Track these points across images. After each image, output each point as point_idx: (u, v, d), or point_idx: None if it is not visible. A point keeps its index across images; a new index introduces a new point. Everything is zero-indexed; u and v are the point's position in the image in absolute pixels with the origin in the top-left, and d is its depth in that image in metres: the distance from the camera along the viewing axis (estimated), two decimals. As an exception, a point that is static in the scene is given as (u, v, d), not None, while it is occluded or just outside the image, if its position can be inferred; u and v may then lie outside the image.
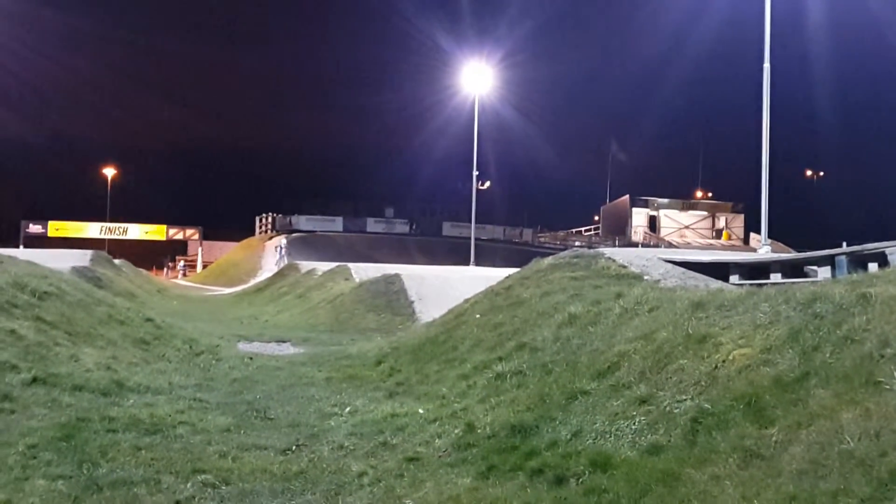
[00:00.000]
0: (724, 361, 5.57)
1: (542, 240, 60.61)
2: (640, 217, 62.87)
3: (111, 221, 63.62)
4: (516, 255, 38.62)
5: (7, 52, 57.19)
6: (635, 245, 50.91)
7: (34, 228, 59.70)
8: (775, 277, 9.87)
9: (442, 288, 17.54)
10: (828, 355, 4.83)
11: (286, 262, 34.60)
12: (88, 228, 61.96)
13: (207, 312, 21.29)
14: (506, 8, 78.24)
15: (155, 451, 6.05)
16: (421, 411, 7.41)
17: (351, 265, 25.35)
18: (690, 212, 65.14)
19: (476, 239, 44.46)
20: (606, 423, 5.62)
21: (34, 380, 7.38)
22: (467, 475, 5.42)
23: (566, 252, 13.36)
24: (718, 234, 63.21)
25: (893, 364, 4.32)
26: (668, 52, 67.52)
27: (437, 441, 6.39)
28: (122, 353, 9.61)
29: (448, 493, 5.12)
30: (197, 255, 62.70)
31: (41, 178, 71.08)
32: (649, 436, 5.17)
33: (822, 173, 76.80)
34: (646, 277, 10.54)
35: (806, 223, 56.21)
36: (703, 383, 5.48)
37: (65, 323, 9.68)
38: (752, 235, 54.15)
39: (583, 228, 67.28)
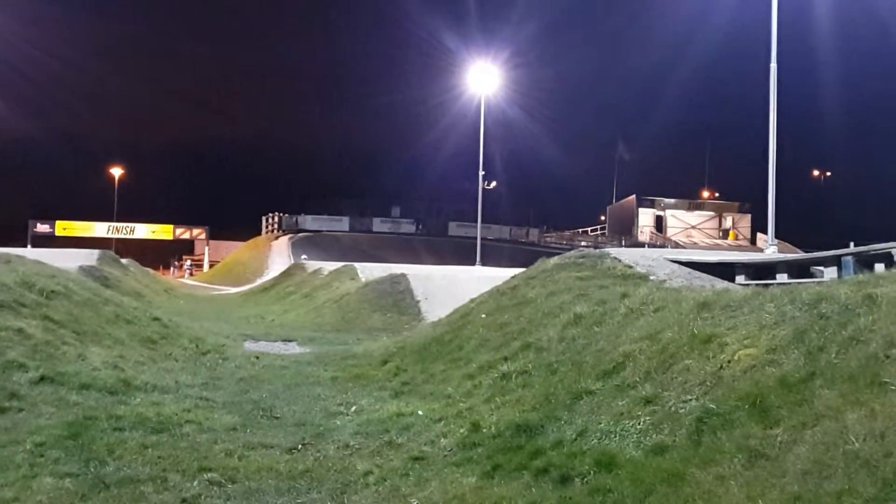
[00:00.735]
0: (729, 362, 5.57)
1: (548, 240, 60.59)
2: (646, 217, 62.79)
3: (118, 221, 63.83)
4: (522, 255, 38.62)
5: (14, 51, 57.51)
6: (641, 245, 50.84)
7: (42, 228, 59.96)
8: (781, 278, 9.86)
9: (448, 288, 17.55)
10: (833, 356, 4.83)
11: (304, 261, 34.57)
12: (95, 228, 62.18)
13: (214, 312, 21.33)
14: (512, 8, 78.20)
15: (161, 450, 6.08)
16: (421, 412, 7.43)
17: (357, 265, 25.38)
18: (697, 212, 65.02)
19: (482, 239, 44.47)
20: (611, 422, 5.62)
21: (42, 378, 7.42)
22: (472, 474, 5.43)
23: (572, 252, 13.36)
24: (725, 234, 63.08)
25: (899, 365, 4.32)
26: (675, 51, 67.51)
27: (442, 440, 6.41)
28: (129, 352, 9.65)
29: (453, 493, 5.14)
30: (204, 254, 62.84)
31: (49, 177, 71.36)
32: (654, 436, 5.17)
33: (829, 173, 76.61)
34: (651, 277, 10.54)
35: (813, 223, 56.10)
36: (708, 383, 5.48)
37: (72, 322, 9.72)
38: (759, 235, 54.02)
39: (589, 228, 67.23)
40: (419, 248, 51.65)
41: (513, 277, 12.40)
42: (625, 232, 61.05)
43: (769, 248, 22.47)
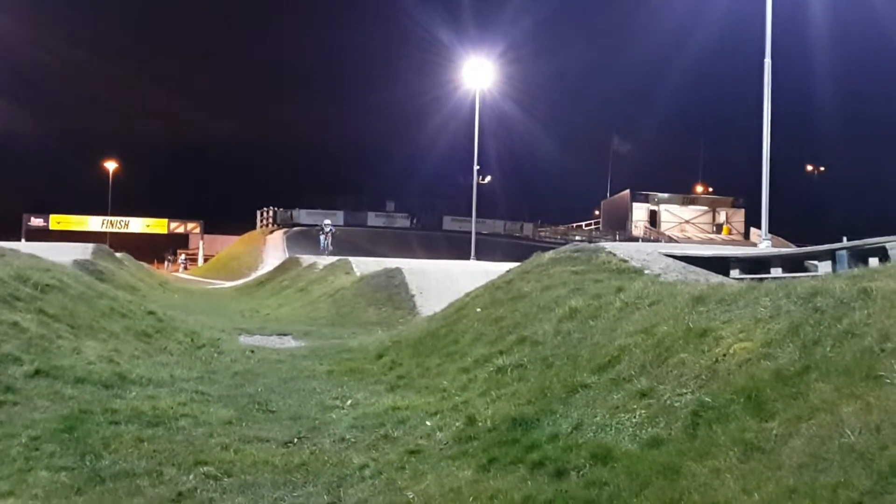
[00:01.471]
0: (724, 355, 5.58)
1: (542, 234, 60.64)
2: (640, 212, 62.86)
3: (113, 215, 63.65)
4: (517, 250, 38.60)
5: (9, 45, 57.26)
6: (636, 239, 50.88)
7: (36, 222, 59.80)
8: (776, 272, 9.88)
9: (443, 282, 17.54)
10: (828, 349, 4.84)
11: (331, 249, 34.83)
12: (90, 222, 62.04)
13: (209, 306, 21.30)
14: (507, 2, 78.00)
15: (157, 443, 6.08)
16: (419, 403, 7.44)
17: (352, 259, 25.36)
18: (691, 206, 65.12)
19: (477, 233, 44.46)
20: (607, 416, 5.63)
21: (37, 372, 7.41)
22: (468, 468, 5.45)
23: (567, 246, 13.36)
24: (719, 228, 63.18)
25: (894, 358, 4.33)
26: (670, 46, 67.39)
27: (438, 434, 6.42)
28: (125, 346, 9.64)
29: (449, 486, 5.15)
30: (198, 248, 62.79)
31: (43, 171, 71.18)
32: (650, 429, 5.19)
33: (822, 168, 76.75)
34: (646, 272, 10.55)
35: (807, 218, 56.18)
36: (703, 377, 5.50)
37: (67, 316, 9.70)
38: (753, 230, 54.16)
39: (583, 223, 67.29)
40: (414, 243, 51.64)
41: (508, 272, 12.41)
42: (619, 226, 61.11)
43: (763, 243, 22.52)
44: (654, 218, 63.40)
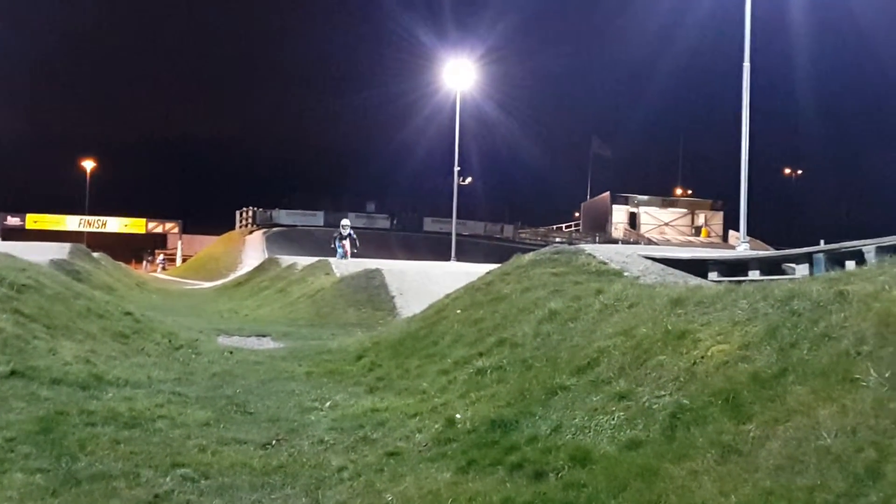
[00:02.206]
0: (702, 357, 5.62)
1: (522, 236, 60.72)
2: (620, 214, 63.14)
3: (90, 214, 63.09)
4: (497, 251, 38.65)
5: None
6: (615, 242, 51.11)
7: (12, 221, 59.15)
8: (753, 275, 9.95)
9: (423, 283, 17.54)
10: (805, 352, 4.88)
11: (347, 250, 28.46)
12: (67, 221, 61.46)
13: (187, 306, 21.17)
14: (489, 4, 78.14)
15: (134, 445, 6.02)
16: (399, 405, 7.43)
17: (332, 259, 25.30)
18: (670, 209, 65.51)
19: (457, 234, 44.49)
20: (586, 418, 5.65)
21: (12, 373, 7.32)
22: (447, 470, 5.44)
23: (547, 248, 13.39)
24: (698, 231, 63.60)
25: (870, 361, 4.37)
26: (651, 48, 67.81)
27: (417, 436, 6.41)
28: (101, 347, 9.55)
29: (428, 488, 5.14)
30: (176, 248, 62.32)
31: (19, 170, 70.31)
32: (628, 431, 5.21)
33: (800, 171, 77.43)
34: (626, 274, 10.60)
35: (785, 220, 56.71)
36: (681, 379, 5.53)
37: (43, 316, 9.60)
38: (731, 233, 54.50)
39: (563, 225, 67.48)
40: (394, 244, 51.52)
41: (488, 273, 12.42)
42: (599, 228, 61.36)
43: (741, 246, 22.68)
44: (633, 220, 63.71)
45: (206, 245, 58.37)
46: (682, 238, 60.28)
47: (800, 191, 74.00)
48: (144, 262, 57.30)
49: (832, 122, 67.93)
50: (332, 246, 28.98)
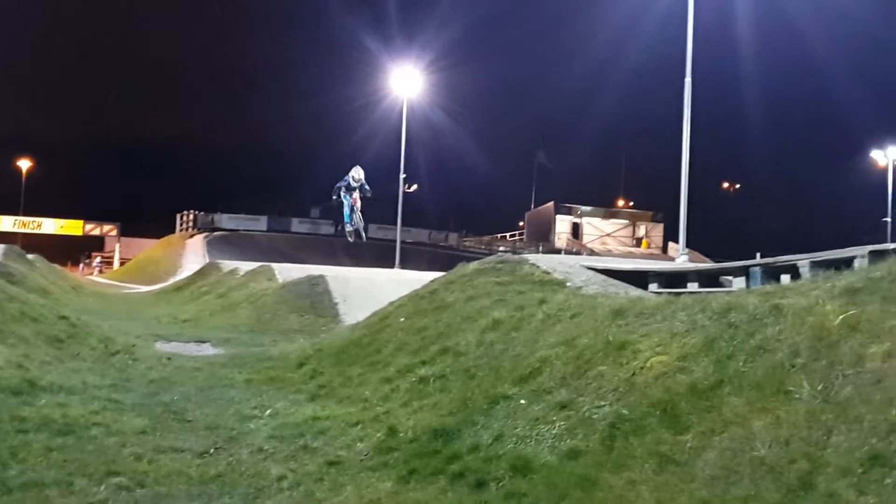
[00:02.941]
0: (642, 368, 5.70)
1: (467, 244, 60.91)
2: (563, 224, 63.80)
3: (25, 215, 61.37)
4: (442, 259, 38.75)
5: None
6: (558, 251, 51.59)
7: (-57, 221, 57.27)
8: (692, 286, 10.13)
9: (367, 290, 17.46)
10: (741, 364, 4.99)
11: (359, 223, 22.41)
12: (1, 222, 59.69)
13: (124, 311, 20.73)
14: (436, 12, 78.21)
15: (67, 453, 5.87)
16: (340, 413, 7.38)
17: (274, 265, 24.99)
18: (612, 220, 66.45)
19: (402, 242, 44.44)
20: (527, 427, 5.69)
21: (-62, 378, 7.09)
22: (388, 479, 5.42)
23: (491, 257, 13.46)
24: (638, 242, 64.62)
25: (803, 373, 4.49)
26: (598, 62, 68.56)
27: (358, 445, 6.37)
28: (35, 352, 9.29)
29: (368, 497, 5.11)
30: (114, 251, 61.02)
31: (-49, 169, 68.13)
32: (569, 440, 5.26)
33: (738, 185, 79.26)
34: (568, 284, 10.70)
35: (724, 233, 57.88)
36: (621, 389, 5.60)
37: (-27, 319, 9.31)
38: (671, 244, 55.47)
39: (508, 234, 67.90)
40: (339, 250, 51.19)
41: (432, 281, 12.42)
42: (542, 238, 61.89)
43: (680, 257, 23.08)
44: (576, 230, 64.44)
45: (145, 248, 57.25)
46: (623, 249, 61.15)
47: (740, 204, 75.73)
48: (81, 265, 55.97)
49: (774, 136, 69.68)
50: (335, 199, 21.75)
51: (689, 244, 25.06)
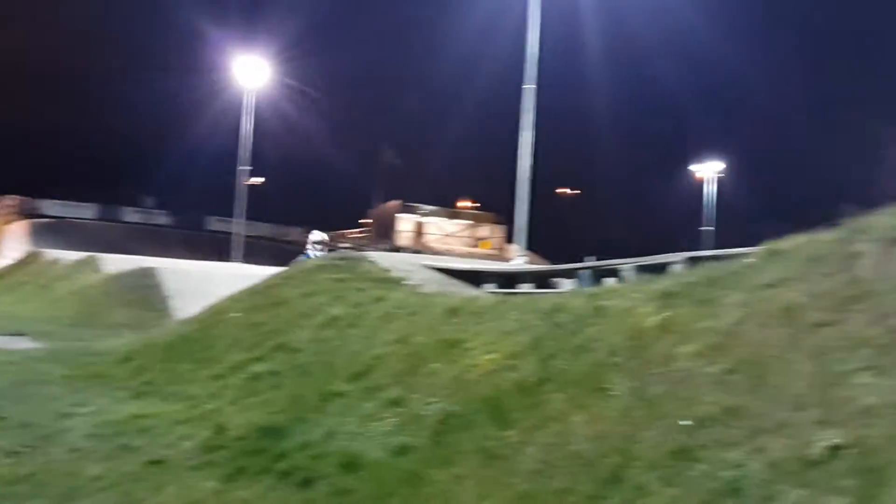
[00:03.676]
0: (472, 366, 5.83)
1: (310, 240, 60.22)
2: (406, 222, 64.26)
3: None
4: (284, 254, 37.93)
5: None
6: (401, 250, 51.92)
7: None
8: (526, 287, 10.45)
9: (203, 284, 16.88)
10: (564, 362, 5.20)
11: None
12: None
13: (-69, 300, 19.19)
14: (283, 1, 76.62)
15: None
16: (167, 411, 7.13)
17: (102, 255, 23.83)
18: (455, 220, 67.50)
19: (245, 236, 43.40)
20: (358, 424, 5.71)
21: None
22: (213, 478, 5.28)
23: (332, 254, 13.38)
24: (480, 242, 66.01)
25: (620, 372, 4.73)
26: (452, 62, 69.30)
27: (184, 443, 6.17)
28: None
29: (191, 497, 4.97)
30: (-79, 236, 56.25)
31: None
32: (398, 437, 5.31)
33: (578, 190, 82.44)
34: (407, 282, 10.77)
35: (565, 237, 60.01)
36: (452, 387, 5.71)
37: None
38: (511, 246, 57.03)
39: (351, 230, 67.66)
40: (175, 242, 49.32)
41: (271, 276, 12.19)
42: (386, 236, 62.08)
43: (518, 259, 23.79)
44: (419, 229, 65.04)
45: (-41, 234, 53.13)
46: (465, 249, 62.25)
47: (581, 209, 78.73)
48: None
49: (612, 146, 72.75)
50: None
51: (531, 247, 25.90)
